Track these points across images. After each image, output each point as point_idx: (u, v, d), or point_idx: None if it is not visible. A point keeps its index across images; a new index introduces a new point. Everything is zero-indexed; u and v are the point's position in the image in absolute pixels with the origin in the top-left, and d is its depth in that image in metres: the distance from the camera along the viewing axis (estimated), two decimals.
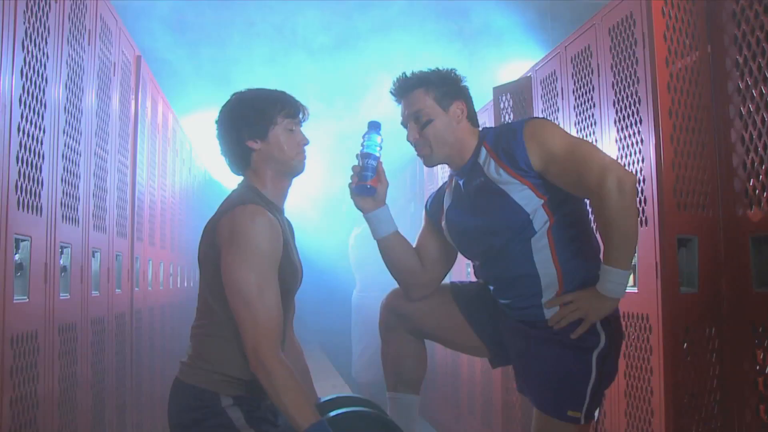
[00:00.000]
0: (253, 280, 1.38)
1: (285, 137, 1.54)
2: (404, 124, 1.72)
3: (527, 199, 1.59)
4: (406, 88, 1.70)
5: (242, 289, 1.38)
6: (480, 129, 1.74)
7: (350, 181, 1.74)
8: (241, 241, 1.40)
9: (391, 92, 1.74)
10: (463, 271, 3.61)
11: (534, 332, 1.66)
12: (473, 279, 1.91)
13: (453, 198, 1.78)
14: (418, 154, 1.74)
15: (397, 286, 1.87)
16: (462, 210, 1.72)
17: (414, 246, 1.85)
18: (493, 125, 3.22)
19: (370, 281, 5.44)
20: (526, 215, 1.59)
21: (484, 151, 1.66)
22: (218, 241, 1.44)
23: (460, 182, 1.74)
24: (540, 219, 1.60)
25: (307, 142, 1.59)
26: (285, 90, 1.60)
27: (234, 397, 1.45)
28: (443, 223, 1.80)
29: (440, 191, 1.87)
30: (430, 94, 1.68)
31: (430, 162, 1.72)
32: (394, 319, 1.85)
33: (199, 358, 1.48)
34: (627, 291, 2.13)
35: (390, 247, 1.78)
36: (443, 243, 1.83)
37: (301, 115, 1.59)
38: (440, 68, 1.71)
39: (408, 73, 1.71)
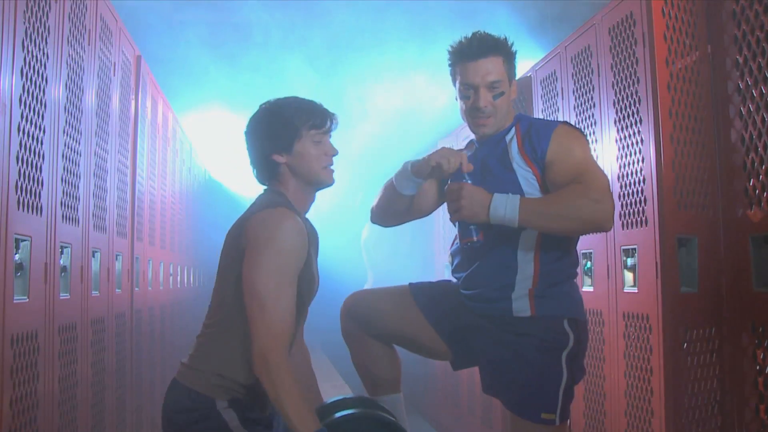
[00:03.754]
0: (272, 282, 1.37)
1: (311, 149, 1.52)
2: (469, 86, 1.63)
3: (532, 189, 1.60)
4: (485, 50, 1.62)
5: (260, 291, 1.37)
6: (517, 113, 1.74)
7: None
8: (266, 242, 1.39)
9: (459, 50, 1.64)
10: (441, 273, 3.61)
11: (504, 336, 1.63)
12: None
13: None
14: (476, 123, 1.65)
15: (353, 291, 1.85)
16: (472, 173, 1.68)
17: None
18: None
19: (383, 276, 5.44)
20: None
21: (513, 131, 1.67)
22: (244, 242, 1.43)
23: (482, 152, 1.71)
24: None
25: (335, 153, 1.56)
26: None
27: (229, 400, 1.44)
28: (446, 189, 1.77)
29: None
30: (505, 65, 1.65)
31: (486, 131, 1.66)
32: (353, 324, 1.82)
33: (198, 360, 1.47)
34: (627, 291, 2.14)
35: (404, 201, 1.75)
36: (437, 197, 1.82)
37: (329, 125, 1.56)
38: (507, 39, 1.67)
39: (483, 33, 1.64)
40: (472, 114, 1.66)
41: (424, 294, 1.80)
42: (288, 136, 1.51)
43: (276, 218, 1.41)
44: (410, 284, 1.84)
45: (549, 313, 1.60)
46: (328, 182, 1.56)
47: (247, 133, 1.56)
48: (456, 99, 1.72)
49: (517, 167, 1.62)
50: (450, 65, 1.70)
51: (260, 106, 1.57)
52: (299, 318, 1.51)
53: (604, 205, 1.50)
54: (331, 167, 1.57)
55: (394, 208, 1.78)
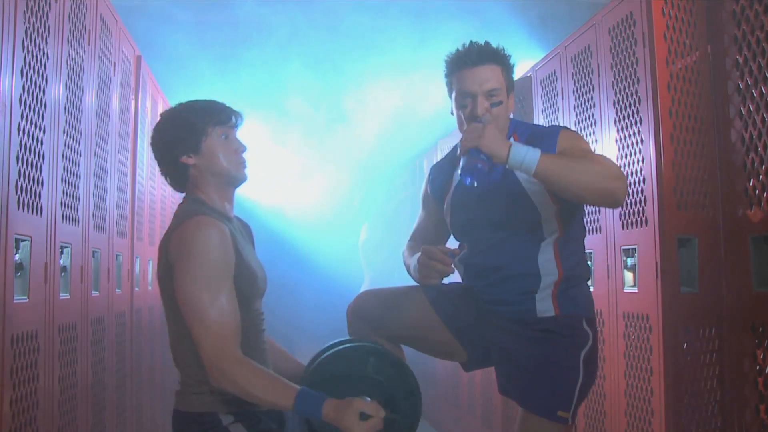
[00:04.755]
0: (204, 294, 1.36)
1: (219, 147, 1.51)
2: (466, 94, 1.61)
3: (543, 203, 1.60)
4: (484, 58, 1.60)
5: (193, 303, 1.36)
6: (511, 119, 1.72)
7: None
8: (189, 254, 1.38)
9: (456, 58, 1.62)
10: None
11: (525, 333, 1.63)
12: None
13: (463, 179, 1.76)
14: None
15: (362, 290, 1.83)
16: (473, 194, 1.67)
17: (414, 229, 1.86)
18: None
19: (379, 277, 5.46)
20: (538, 217, 1.60)
21: (511, 140, 1.62)
22: (170, 259, 1.42)
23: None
24: (550, 226, 1.61)
25: (243, 149, 1.55)
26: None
27: (234, 414, 1.43)
28: (448, 201, 1.75)
29: (446, 167, 1.82)
30: (503, 74, 1.63)
31: None
32: (363, 324, 1.78)
33: (190, 384, 1.45)
34: (627, 291, 2.14)
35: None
36: (441, 227, 1.82)
37: (234, 120, 1.55)
38: (505, 50, 1.65)
39: (482, 43, 1.62)
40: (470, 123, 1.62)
41: (437, 293, 1.77)
42: (194, 136, 1.50)
43: (193, 229, 1.40)
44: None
45: (571, 312, 1.61)
46: (241, 178, 1.55)
47: (152, 142, 1.55)
48: (451, 113, 1.69)
49: (525, 184, 1.60)
50: (446, 75, 1.67)
51: (161, 114, 1.57)
52: (250, 315, 1.48)
53: (622, 179, 1.49)
54: (243, 163, 1.55)
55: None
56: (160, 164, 1.56)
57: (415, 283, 1.75)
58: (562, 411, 1.57)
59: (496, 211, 1.64)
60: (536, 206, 1.59)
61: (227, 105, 1.56)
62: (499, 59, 1.63)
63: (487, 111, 1.60)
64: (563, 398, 1.57)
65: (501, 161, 1.44)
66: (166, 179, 1.58)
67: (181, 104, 1.56)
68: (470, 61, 1.60)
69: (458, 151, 1.75)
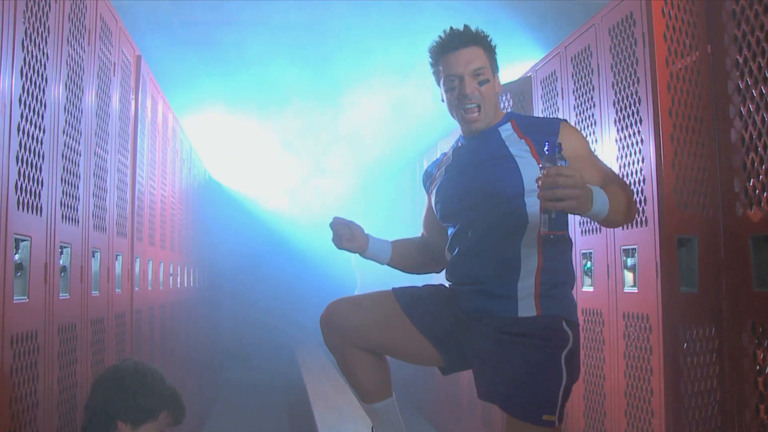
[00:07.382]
0: None
1: None
2: (453, 76, 1.65)
3: (531, 177, 1.57)
4: (466, 41, 1.66)
5: None
6: (507, 112, 1.75)
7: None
8: None
9: (439, 45, 1.68)
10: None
11: (502, 337, 1.59)
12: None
13: (455, 158, 1.76)
14: (464, 115, 1.66)
15: (333, 300, 1.81)
16: (463, 168, 1.69)
17: (423, 221, 1.89)
18: None
19: (371, 280, 5.47)
20: (522, 189, 1.58)
21: (509, 126, 1.68)
22: None
23: (472, 144, 1.71)
24: (533, 203, 1.56)
25: None
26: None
27: None
28: (437, 180, 1.76)
29: (439, 161, 1.85)
30: (486, 54, 1.68)
31: (479, 125, 1.66)
32: (337, 335, 1.75)
33: None
34: (627, 291, 2.14)
35: (399, 260, 1.84)
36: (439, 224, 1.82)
37: (175, 422, 1.71)
38: (485, 32, 1.71)
39: (462, 28, 1.68)
40: (461, 104, 1.65)
41: (410, 298, 1.74)
42: (145, 415, 1.64)
43: None
44: (393, 289, 1.78)
45: (552, 313, 1.57)
46: None
47: (106, 383, 1.70)
48: (441, 100, 1.72)
49: (517, 158, 1.60)
50: (432, 65, 1.72)
51: (132, 365, 1.74)
52: None
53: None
54: None
55: (414, 266, 1.89)
56: (92, 402, 1.70)
57: (387, 288, 1.78)
58: (547, 414, 1.53)
59: (483, 180, 1.64)
60: (522, 177, 1.59)
61: (183, 406, 1.74)
62: (480, 41, 1.68)
63: (476, 90, 1.64)
64: (547, 402, 1.54)
65: (583, 214, 1.44)
66: (87, 413, 1.70)
67: (154, 377, 1.70)
68: (453, 45, 1.66)
69: (446, 153, 1.82)
